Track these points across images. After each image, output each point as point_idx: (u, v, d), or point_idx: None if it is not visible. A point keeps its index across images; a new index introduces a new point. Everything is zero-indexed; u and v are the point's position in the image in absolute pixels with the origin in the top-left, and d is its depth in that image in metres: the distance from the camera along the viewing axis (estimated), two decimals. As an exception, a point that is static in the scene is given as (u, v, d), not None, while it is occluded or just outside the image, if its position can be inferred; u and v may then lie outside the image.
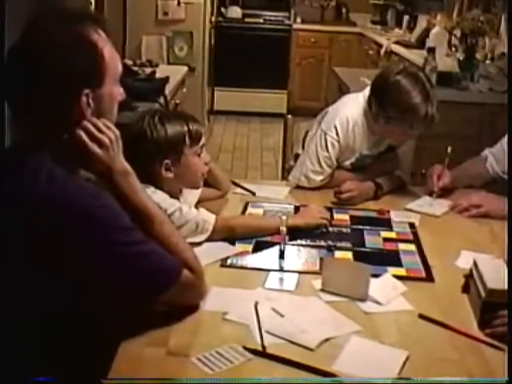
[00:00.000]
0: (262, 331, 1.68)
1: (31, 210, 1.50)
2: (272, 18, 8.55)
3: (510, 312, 1.70)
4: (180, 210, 2.19)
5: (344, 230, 2.43)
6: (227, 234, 2.27)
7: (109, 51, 1.61)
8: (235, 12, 8.46)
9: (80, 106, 1.57)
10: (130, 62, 5.48)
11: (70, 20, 1.58)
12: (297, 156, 3.10)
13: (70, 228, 1.50)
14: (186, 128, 2.23)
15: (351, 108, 2.84)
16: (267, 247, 2.24)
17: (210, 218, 2.25)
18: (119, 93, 1.68)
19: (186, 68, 5.92)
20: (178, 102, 5.23)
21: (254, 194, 2.78)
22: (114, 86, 1.64)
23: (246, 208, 2.61)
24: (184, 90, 5.81)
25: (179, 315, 1.74)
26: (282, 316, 1.78)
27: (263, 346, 1.62)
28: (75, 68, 1.54)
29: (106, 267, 1.54)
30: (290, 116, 3.56)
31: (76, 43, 1.55)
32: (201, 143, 2.30)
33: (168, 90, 4.69)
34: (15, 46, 1.58)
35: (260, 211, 2.59)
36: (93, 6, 5.27)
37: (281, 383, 1.52)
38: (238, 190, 2.81)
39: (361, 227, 2.45)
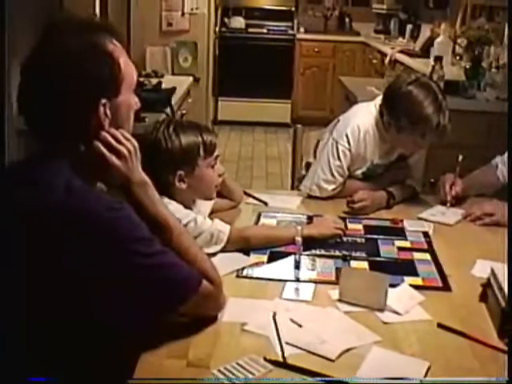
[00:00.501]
0: (282, 342, 1.67)
1: (49, 222, 1.49)
2: (275, 28, 8.57)
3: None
4: (195, 221, 2.18)
5: (358, 239, 2.43)
6: (242, 245, 2.26)
7: (124, 60, 1.61)
8: (238, 22, 8.48)
9: (98, 116, 1.56)
10: (135, 73, 5.48)
11: (85, 30, 1.58)
12: (308, 165, 3.09)
13: (89, 239, 1.49)
14: (200, 139, 2.22)
15: (363, 117, 2.84)
16: (282, 258, 2.23)
17: (225, 229, 2.24)
18: (135, 102, 1.67)
19: (191, 78, 5.94)
20: (184, 112, 5.24)
21: (266, 204, 2.78)
22: (130, 94, 1.64)
23: (259, 218, 2.61)
24: (189, 100, 5.81)
25: (198, 326, 1.73)
26: (300, 326, 1.78)
27: (284, 357, 1.62)
28: (92, 78, 1.54)
29: (126, 278, 1.54)
30: (299, 125, 3.56)
31: (92, 53, 1.55)
32: (215, 154, 2.29)
33: (174, 100, 4.70)
34: (31, 56, 1.57)
35: (273, 221, 2.58)
36: (97, 17, 5.29)
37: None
38: (251, 200, 2.81)
39: (375, 237, 2.45)
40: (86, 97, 1.54)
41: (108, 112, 1.58)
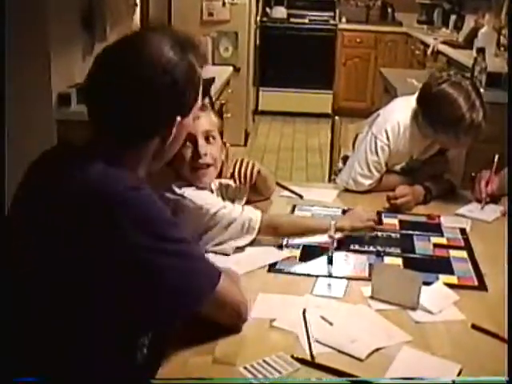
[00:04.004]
0: (311, 340, 1.65)
1: (79, 201, 1.47)
2: (317, 18, 8.51)
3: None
4: (224, 208, 2.15)
5: (393, 235, 2.39)
6: (271, 233, 2.21)
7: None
8: (280, 12, 8.44)
9: (170, 131, 1.56)
10: (175, 63, 5.48)
11: (183, 47, 1.55)
12: (345, 158, 3.06)
13: (122, 221, 1.45)
14: None
15: (403, 112, 2.78)
16: (315, 253, 2.20)
17: (256, 216, 2.19)
18: (190, 124, 1.66)
19: (231, 68, 5.92)
20: (223, 102, 5.23)
21: (301, 197, 2.74)
22: (191, 117, 1.63)
23: (293, 211, 2.58)
24: (229, 90, 5.80)
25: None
26: (331, 324, 1.75)
27: (312, 356, 1.59)
28: (181, 95, 1.53)
29: (149, 261, 1.47)
30: (337, 117, 3.52)
31: (187, 72, 1.53)
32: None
33: (213, 90, 4.69)
34: (124, 66, 1.53)
35: (308, 215, 2.55)
36: (138, 8, 5.30)
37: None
38: (285, 192, 2.78)
39: (410, 232, 2.40)
40: (171, 110, 1.54)
41: (174, 130, 1.57)
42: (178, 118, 1.55)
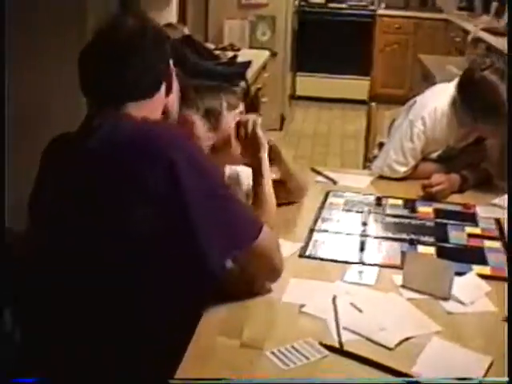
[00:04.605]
0: (340, 327, 1.63)
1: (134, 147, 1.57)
2: (356, 4, 8.42)
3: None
4: None
5: (427, 223, 2.36)
6: None
7: None
8: (319, -4, 8.37)
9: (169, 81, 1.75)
10: (212, 46, 5.47)
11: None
12: (381, 145, 3.02)
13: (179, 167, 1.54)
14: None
15: (441, 99, 2.73)
16: (347, 239, 2.19)
17: None
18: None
19: (267, 53, 5.89)
20: (259, 86, 5.21)
21: (335, 182, 2.73)
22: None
23: (326, 197, 2.56)
24: (265, 74, 5.78)
25: (256, 305, 1.73)
26: (360, 311, 1.73)
27: (340, 343, 1.58)
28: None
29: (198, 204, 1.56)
30: (373, 103, 3.48)
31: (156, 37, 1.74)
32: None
33: (250, 74, 4.67)
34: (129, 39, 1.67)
35: (341, 201, 2.53)
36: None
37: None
38: (319, 178, 2.76)
39: (445, 221, 2.37)
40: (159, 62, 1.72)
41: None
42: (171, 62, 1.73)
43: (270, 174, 2.05)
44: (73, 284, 1.60)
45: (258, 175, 2.02)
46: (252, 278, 1.79)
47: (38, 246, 1.69)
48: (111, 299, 1.57)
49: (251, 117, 2.10)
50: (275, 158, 2.20)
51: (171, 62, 1.76)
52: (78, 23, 3.23)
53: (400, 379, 1.46)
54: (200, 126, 2.02)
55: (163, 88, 1.73)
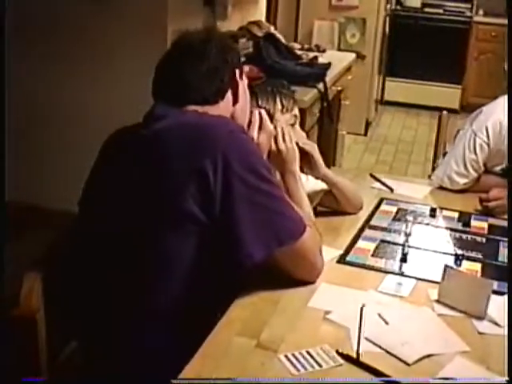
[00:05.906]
0: (361, 337, 1.59)
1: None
2: (453, 9, 8.22)
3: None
4: None
5: (479, 238, 2.27)
6: None
7: None
8: (415, 1, 8.21)
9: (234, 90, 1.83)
10: (297, 46, 5.44)
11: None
12: (445, 154, 2.94)
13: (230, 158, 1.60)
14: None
15: (506, 110, 2.63)
16: (390, 248, 2.13)
17: None
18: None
19: (353, 55, 5.81)
20: (340, 88, 5.15)
21: (392, 190, 2.67)
22: None
23: (379, 204, 2.51)
24: (349, 77, 5.71)
25: (282, 307, 1.72)
26: (386, 323, 1.69)
27: (358, 353, 1.53)
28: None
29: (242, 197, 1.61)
30: (445, 112, 3.39)
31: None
32: None
33: (330, 76, 4.62)
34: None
35: (394, 209, 2.47)
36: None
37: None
38: (376, 184, 2.72)
39: (498, 238, 2.28)
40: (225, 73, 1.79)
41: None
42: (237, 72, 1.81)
43: (300, 185, 2.04)
44: (117, 266, 1.68)
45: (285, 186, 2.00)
46: (288, 275, 1.79)
47: (89, 228, 1.77)
48: (152, 281, 1.65)
49: (274, 130, 2.04)
50: (313, 166, 2.17)
51: (237, 72, 1.83)
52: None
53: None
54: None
55: (229, 96, 1.80)
